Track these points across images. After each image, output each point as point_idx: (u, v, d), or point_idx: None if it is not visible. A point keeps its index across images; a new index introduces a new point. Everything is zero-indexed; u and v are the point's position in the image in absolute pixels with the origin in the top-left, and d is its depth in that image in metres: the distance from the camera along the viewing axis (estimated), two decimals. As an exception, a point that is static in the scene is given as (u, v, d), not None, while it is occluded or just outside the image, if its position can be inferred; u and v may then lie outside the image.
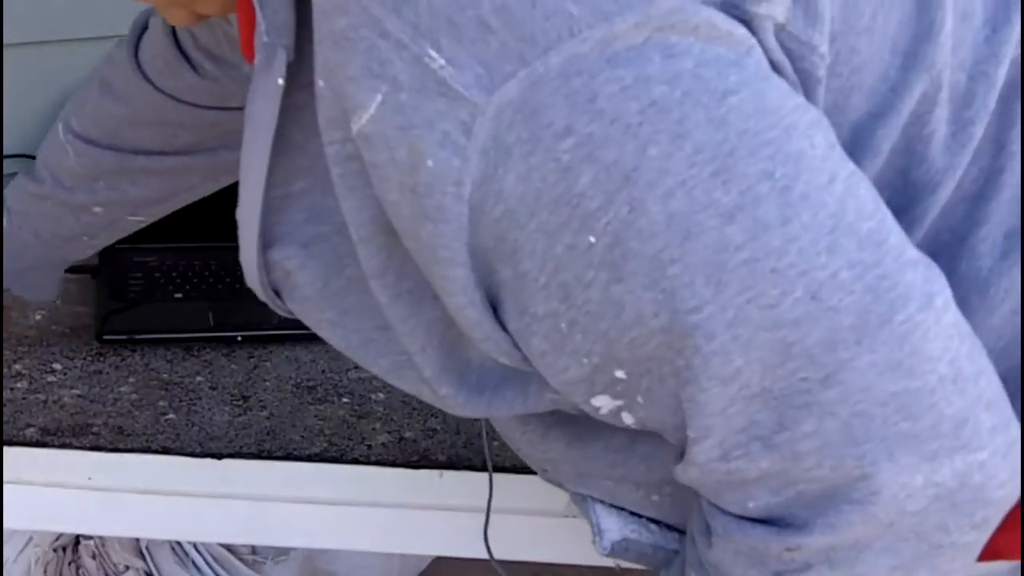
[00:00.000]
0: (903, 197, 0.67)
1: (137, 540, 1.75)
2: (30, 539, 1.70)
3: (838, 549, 0.61)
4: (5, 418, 1.18)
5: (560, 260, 0.58)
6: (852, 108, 0.65)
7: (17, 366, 1.28)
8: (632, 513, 0.84)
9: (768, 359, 0.58)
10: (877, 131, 0.65)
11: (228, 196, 1.67)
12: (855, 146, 0.65)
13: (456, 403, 0.73)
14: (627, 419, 0.66)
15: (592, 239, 0.57)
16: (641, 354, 0.60)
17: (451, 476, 1.16)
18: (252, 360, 1.33)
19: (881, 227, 0.59)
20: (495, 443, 1.19)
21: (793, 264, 0.57)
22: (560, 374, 0.65)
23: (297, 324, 1.39)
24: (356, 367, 1.32)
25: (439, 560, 1.89)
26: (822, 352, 0.57)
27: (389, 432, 1.21)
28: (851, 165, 0.60)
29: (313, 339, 1.38)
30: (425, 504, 1.16)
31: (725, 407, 0.59)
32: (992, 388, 0.61)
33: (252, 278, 0.77)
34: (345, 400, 1.26)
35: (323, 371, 1.31)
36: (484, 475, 1.15)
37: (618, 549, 0.85)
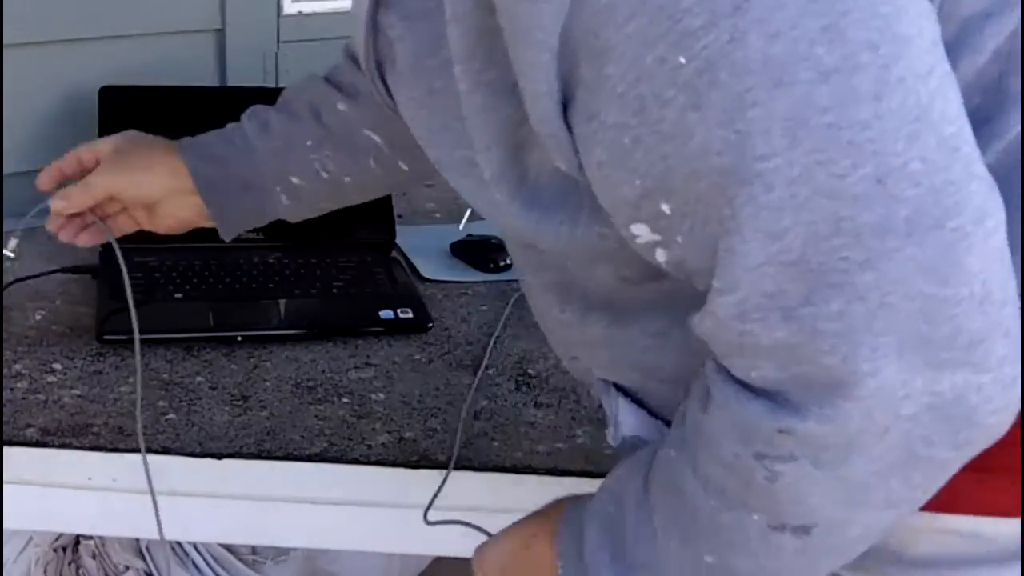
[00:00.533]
0: (993, 105, 0.67)
1: (137, 540, 1.75)
2: (30, 539, 1.71)
3: (828, 448, 0.61)
4: (5, 418, 1.18)
5: (645, 72, 0.58)
6: (967, 4, 0.65)
7: (17, 366, 1.28)
8: (651, 414, 0.84)
9: (816, 228, 0.58)
10: (986, 29, 0.66)
11: (228, 196, 1.67)
12: (960, 41, 0.65)
13: (509, 212, 0.71)
14: (660, 256, 0.66)
15: (683, 59, 0.57)
16: (692, 192, 0.60)
17: (451, 476, 1.16)
18: (252, 360, 1.33)
19: (960, 134, 0.59)
20: (495, 443, 1.19)
21: (871, 141, 0.57)
22: (611, 190, 0.64)
23: (297, 324, 1.40)
24: (356, 367, 1.32)
25: (439, 560, 1.89)
26: (870, 235, 0.57)
27: (389, 432, 1.21)
28: (947, 66, 0.60)
29: (313, 339, 1.39)
30: (425, 504, 1.15)
31: (760, 264, 0.59)
32: (1014, 321, 0.61)
33: (359, 42, 0.77)
34: (345, 400, 1.26)
35: (323, 371, 1.31)
36: (484, 475, 1.15)
37: (627, 445, 0.85)
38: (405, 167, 1.12)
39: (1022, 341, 0.62)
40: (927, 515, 0.70)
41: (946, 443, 0.61)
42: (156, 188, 1.14)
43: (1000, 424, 0.62)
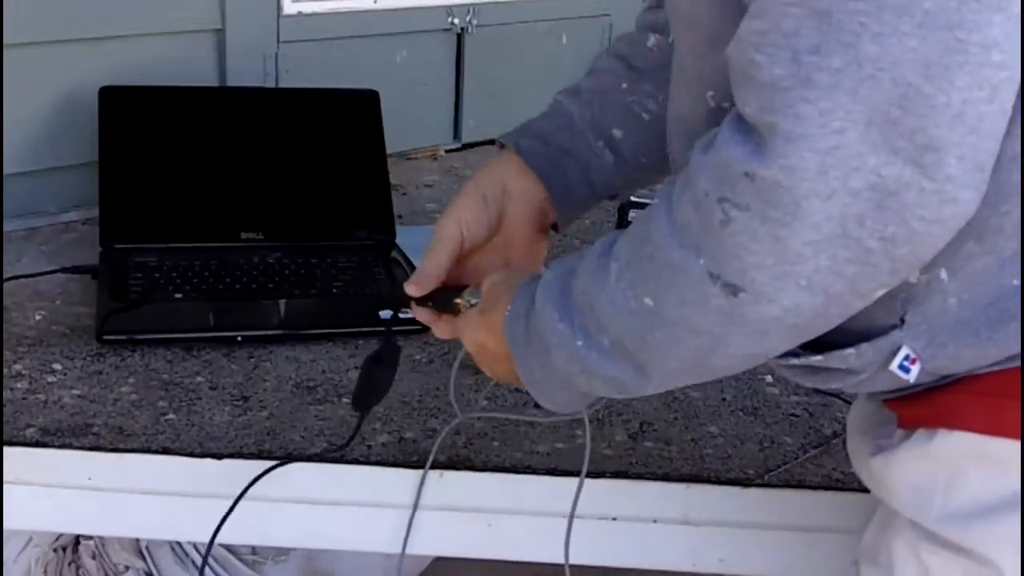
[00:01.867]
0: None
1: (137, 540, 1.75)
2: (30, 539, 1.71)
3: (777, 205, 0.66)
4: (5, 418, 1.18)
5: None
6: None
7: (17, 366, 1.28)
8: None
9: None
10: None
11: (228, 195, 1.69)
12: None
13: None
14: None
15: None
16: None
17: (451, 476, 1.16)
18: (252, 360, 1.33)
19: None
20: (494, 443, 1.19)
21: None
22: None
23: (297, 324, 1.40)
24: (356, 367, 1.32)
25: (439, 560, 1.89)
26: (891, 13, 0.63)
27: (389, 432, 1.21)
28: None
29: (313, 339, 1.39)
30: (425, 504, 1.15)
31: (789, 4, 0.65)
32: (984, 154, 0.65)
33: None
34: (345, 400, 1.26)
35: (323, 371, 1.31)
36: (484, 475, 1.15)
37: None
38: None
39: None
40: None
41: (874, 230, 0.65)
42: (496, 182, 1.04)
43: (925, 235, 0.66)
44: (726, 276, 0.69)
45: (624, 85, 1.07)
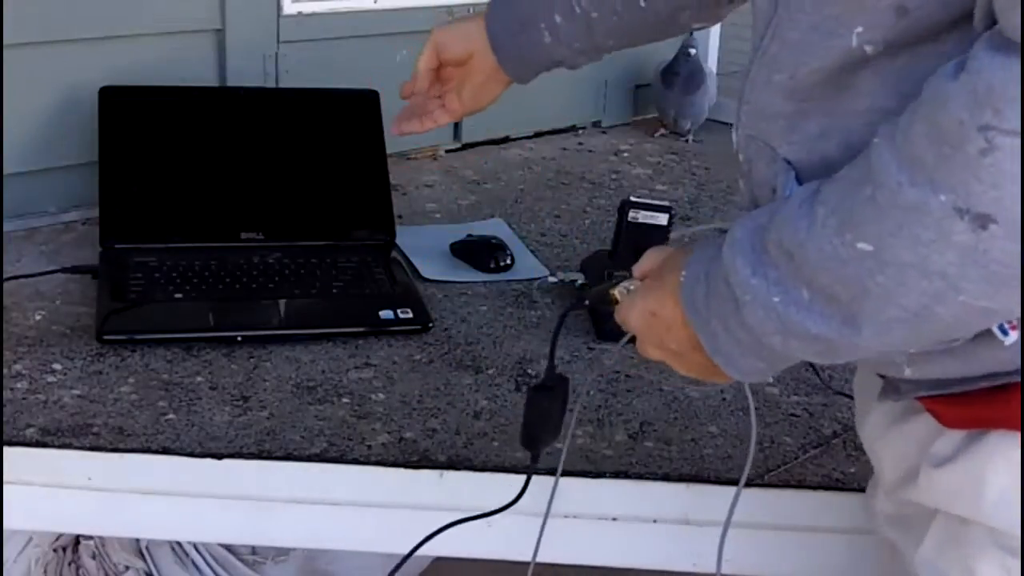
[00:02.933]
0: None
1: (137, 540, 1.75)
2: (30, 539, 1.71)
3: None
4: (5, 418, 1.18)
5: None
6: None
7: (17, 366, 1.28)
8: None
9: None
10: None
11: (228, 195, 1.69)
12: None
13: None
14: None
15: None
16: None
17: (451, 476, 1.16)
18: (252, 360, 1.33)
19: None
20: (494, 443, 1.19)
21: None
22: None
23: (297, 324, 1.40)
24: (356, 367, 1.32)
25: (439, 560, 1.89)
26: None
27: (389, 432, 1.21)
28: None
29: (313, 339, 1.39)
30: (425, 504, 1.16)
31: None
32: None
33: None
34: (345, 400, 1.26)
35: (323, 371, 1.31)
36: (484, 475, 1.15)
37: None
38: (643, 3, 1.13)
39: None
40: None
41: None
42: (473, 31, 1.22)
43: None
44: (977, 208, 0.64)
45: None
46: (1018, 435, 0.76)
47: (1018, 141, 0.62)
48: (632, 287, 0.93)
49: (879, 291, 0.69)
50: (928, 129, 0.66)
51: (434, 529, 1.14)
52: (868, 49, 0.75)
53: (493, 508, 1.13)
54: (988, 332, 0.74)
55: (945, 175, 0.65)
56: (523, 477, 1.16)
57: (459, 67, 1.24)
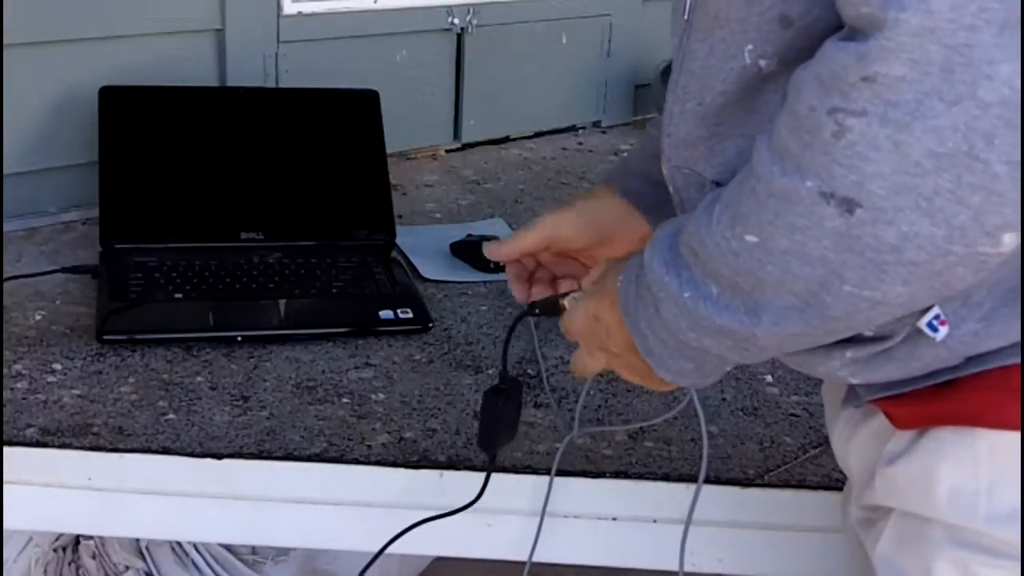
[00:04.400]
0: None
1: (137, 540, 1.75)
2: (30, 539, 1.71)
3: (898, 104, 0.63)
4: (5, 418, 1.18)
5: None
6: None
7: (17, 366, 1.28)
8: None
9: None
10: None
11: (228, 195, 1.69)
12: None
13: None
14: None
15: None
16: None
17: (451, 476, 1.16)
18: (252, 360, 1.33)
19: None
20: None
21: None
22: None
23: (297, 324, 1.40)
24: (356, 367, 1.32)
25: (439, 560, 1.89)
26: None
27: (389, 432, 1.21)
28: None
29: (313, 339, 1.39)
30: (425, 504, 1.16)
31: None
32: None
33: None
34: (345, 400, 1.26)
35: (323, 371, 1.31)
36: (484, 475, 1.15)
37: None
38: None
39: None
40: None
41: (1003, 152, 0.61)
42: (602, 214, 1.08)
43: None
44: (841, 191, 0.65)
45: None
46: (968, 431, 0.77)
47: (867, 120, 0.63)
48: (580, 297, 0.94)
49: (770, 280, 0.71)
50: (789, 120, 0.68)
51: (434, 529, 1.14)
52: (763, 64, 0.77)
53: (493, 508, 1.13)
54: (919, 332, 0.75)
55: (808, 161, 0.67)
56: (523, 477, 1.16)
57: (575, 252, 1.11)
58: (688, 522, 1.05)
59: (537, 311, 0.99)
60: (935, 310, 0.74)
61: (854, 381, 0.82)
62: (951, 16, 0.60)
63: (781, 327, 0.73)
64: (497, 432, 1.07)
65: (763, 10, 0.75)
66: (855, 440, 0.89)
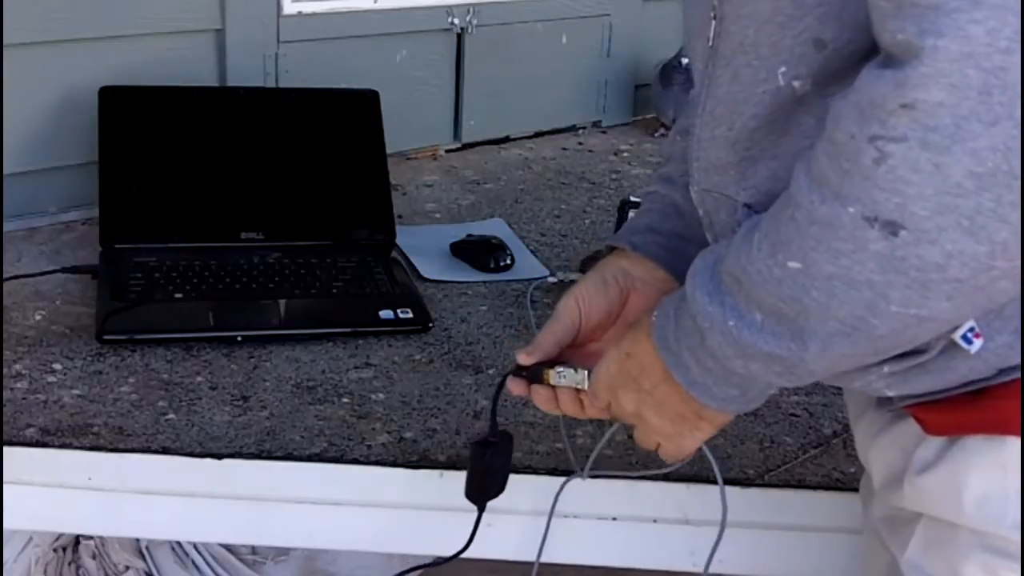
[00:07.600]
0: None
1: (137, 540, 1.75)
2: (30, 539, 1.71)
3: (937, 129, 0.63)
4: (5, 418, 1.18)
5: None
6: None
7: (17, 366, 1.28)
8: None
9: None
10: None
11: (228, 195, 1.69)
12: None
13: None
14: None
15: None
16: None
17: (451, 476, 1.16)
18: (252, 360, 1.33)
19: None
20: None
21: None
22: None
23: (297, 324, 1.40)
24: (356, 367, 1.32)
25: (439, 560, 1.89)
26: None
27: (389, 432, 1.21)
28: None
29: (313, 339, 1.39)
30: (425, 504, 1.16)
31: None
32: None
33: None
34: (345, 400, 1.26)
35: (323, 371, 1.31)
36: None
37: None
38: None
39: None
40: None
41: None
42: (622, 279, 1.03)
43: None
44: (884, 215, 0.66)
45: None
46: (997, 439, 0.78)
47: (907, 145, 0.64)
48: (565, 373, 0.95)
49: (815, 306, 0.72)
50: (828, 147, 0.69)
51: (432, 529, 1.14)
52: (796, 84, 0.77)
53: (492, 507, 1.13)
54: (954, 344, 0.76)
55: (848, 188, 0.67)
56: (523, 476, 1.16)
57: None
58: (722, 525, 1.00)
59: (524, 374, 0.99)
60: (969, 323, 0.75)
61: (890, 394, 0.82)
62: (987, 40, 0.62)
63: (829, 351, 0.74)
64: (486, 484, 1.07)
65: (797, 33, 0.76)
66: (880, 440, 0.89)
